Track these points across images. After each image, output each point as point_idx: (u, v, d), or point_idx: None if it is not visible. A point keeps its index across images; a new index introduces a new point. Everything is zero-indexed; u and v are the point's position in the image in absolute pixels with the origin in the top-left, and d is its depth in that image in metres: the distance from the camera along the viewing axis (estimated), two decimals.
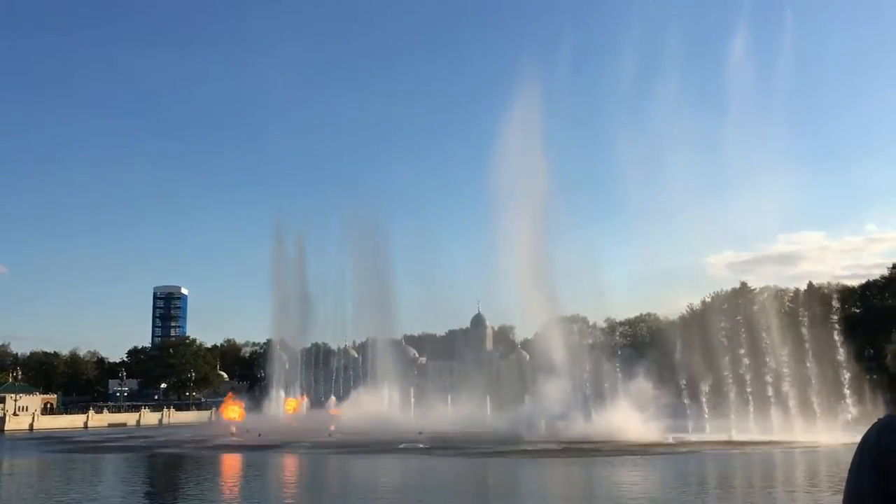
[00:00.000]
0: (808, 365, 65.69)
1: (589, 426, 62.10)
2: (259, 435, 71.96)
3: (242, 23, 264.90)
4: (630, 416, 62.55)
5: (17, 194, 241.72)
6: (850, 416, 60.45)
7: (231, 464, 49.26)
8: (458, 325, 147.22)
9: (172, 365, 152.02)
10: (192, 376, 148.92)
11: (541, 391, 71.85)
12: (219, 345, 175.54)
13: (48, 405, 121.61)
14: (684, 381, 69.59)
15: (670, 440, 58.39)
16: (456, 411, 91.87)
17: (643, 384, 68.93)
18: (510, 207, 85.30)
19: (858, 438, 3.40)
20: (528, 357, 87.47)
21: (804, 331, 68.40)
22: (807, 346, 66.88)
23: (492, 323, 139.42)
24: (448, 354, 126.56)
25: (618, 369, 76.07)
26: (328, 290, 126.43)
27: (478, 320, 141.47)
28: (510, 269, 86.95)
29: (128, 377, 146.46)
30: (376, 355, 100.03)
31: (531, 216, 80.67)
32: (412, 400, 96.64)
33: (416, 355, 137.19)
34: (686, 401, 69.36)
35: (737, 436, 59.57)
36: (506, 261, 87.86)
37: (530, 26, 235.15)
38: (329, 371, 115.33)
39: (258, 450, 56.71)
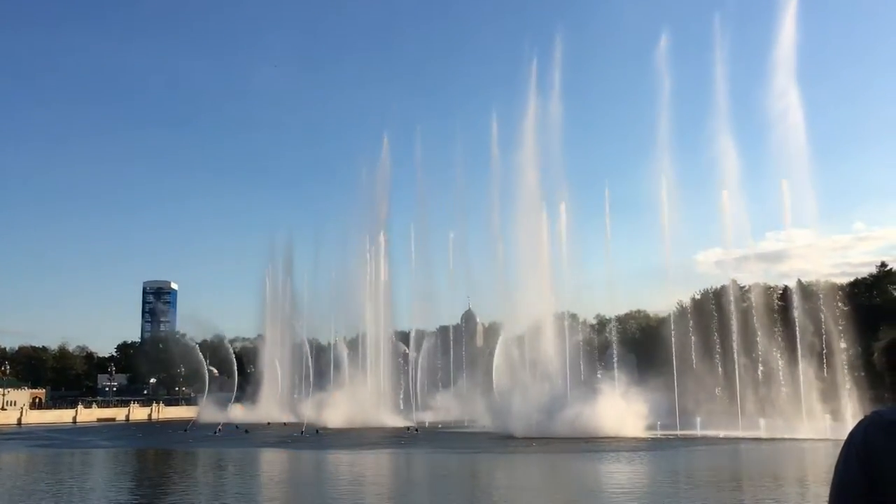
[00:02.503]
0: (796, 362, 66.11)
1: (578, 421, 62.28)
2: (246, 431, 72.12)
3: (239, 17, 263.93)
4: (619, 412, 62.85)
5: (6, 188, 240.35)
6: (837, 412, 60.93)
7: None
8: (448, 322, 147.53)
9: (162, 360, 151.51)
10: (181, 371, 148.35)
11: (531, 387, 72.04)
12: (208, 340, 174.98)
13: (37, 400, 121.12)
14: (674, 378, 69.89)
15: (658, 435, 58.88)
16: (446, 407, 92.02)
17: (632, 380, 69.29)
18: (503, 205, 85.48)
19: (845, 435, 3.43)
20: (518, 353, 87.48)
21: (793, 328, 68.81)
22: (795, 343, 67.33)
23: (482, 319, 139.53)
24: (438, 350, 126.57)
25: (607, 365, 76.35)
26: (319, 286, 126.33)
27: (468, 316, 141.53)
28: (502, 266, 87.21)
29: (117, 372, 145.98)
30: (367, 351, 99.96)
31: (523, 213, 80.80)
32: (402, 395, 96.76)
33: (407, 351, 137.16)
34: (676, 397, 69.66)
35: (726, 432, 60.07)
36: (498, 258, 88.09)
37: (527, 24, 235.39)
38: (319, 367, 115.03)
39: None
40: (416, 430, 72.35)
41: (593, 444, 52.59)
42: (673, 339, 72.38)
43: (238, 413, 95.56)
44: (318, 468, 42.86)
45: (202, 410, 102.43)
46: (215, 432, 70.45)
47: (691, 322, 75.79)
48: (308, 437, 64.60)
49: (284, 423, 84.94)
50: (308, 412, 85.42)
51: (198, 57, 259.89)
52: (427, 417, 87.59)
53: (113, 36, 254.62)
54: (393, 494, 30.92)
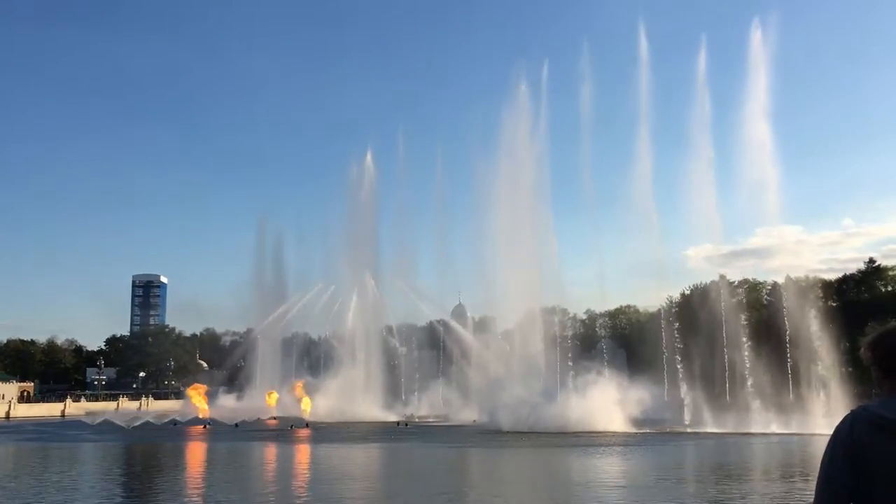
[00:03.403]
0: (784, 357, 66.52)
1: (567, 416, 62.43)
2: (236, 425, 72.09)
3: (236, 15, 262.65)
4: (609, 407, 63.01)
5: None
6: (824, 408, 61.31)
7: None
8: (439, 316, 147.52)
9: (151, 353, 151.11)
10: (170, 365, 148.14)
11: (520, 381, 72.20)
12: (198, 334, 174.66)
13: (25, 393, 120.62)
14: (664, 373, 70.19)
15: (648, 431, 59.10)
16: (436, 401, 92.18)
17: (622, 375, 69.54)
18: (495, 199, 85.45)
19: (832, 429, 3.45)
20: (508, 348, 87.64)
21: (781, 323, 69.20)
22: (783, 338, 67.72)
23: (473, 314, 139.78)
24: (428, 344, 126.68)
25: (597, 361, 76.53)
26: (310, 279, 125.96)
27: (459, 311, 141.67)
28: (492, 260, 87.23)
29: (106, 366, 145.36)
30: (357, 345, 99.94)
31: (515, 208, 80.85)
32: (392, 390, 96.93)
33: (397, 345, 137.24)
34: (665, 392, 69.99)
35: (715, 427, 60.34)
36: (488, 252, 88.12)
37: (525, 18, 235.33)
38: (310, 361, 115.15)
39: None
40: (406, 424, 72.46)
41: (582, 439, 52.74)
42: (663, 334, 72.72)
43: (227, 407, 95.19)
44: (309, 463, 42.85)
45: (187, 404, 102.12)
46: (204, 426, 70.34)
47: (680, 318, 76.09)
48: (298, 432, 64.62)
49: (274, 418, 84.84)
50: (298, 406, 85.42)
51: (191, 54, 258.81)
52: (416, 411, 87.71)
53: (108, 32, 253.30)
54: (390, 489, 30.96)
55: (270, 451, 48.94)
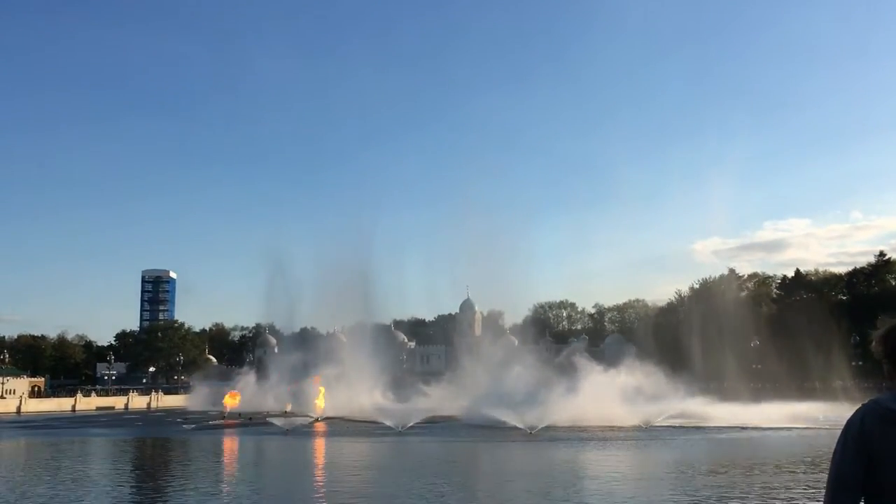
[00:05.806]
0: (794, 351, 66.35)
1: (573, 410, 62.42)
2: (250, 419, 72.51)
3: (239, 7, 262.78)
4: (616, 401, 62.93)
5: (5, 177, 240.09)
6: (833, 401, 61.16)
7: None
8: (447, 311, 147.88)
9: (161, 349, 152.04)
10: (180, 360, 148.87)
11: (527, 376, 72.26)
12: (207, 329, 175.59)
13: (36, 388, 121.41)
14: (672, 366, 70.12)
15: (657, 424, 58.97)
16: (443, 396, 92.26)
17: (630, 369, 69.47)
18: (498, 194, 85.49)
19: (842, 422, 3.47)
20: (516, 342, 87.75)
21: (791, 317, 69.05)
22: (792, 331, 67.52)
23: (480, 308, 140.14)
24: (437, 339, 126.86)
25: (606, 354, 76.59)
26: (317, 276, 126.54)
27: (467, 305, 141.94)
28: (498, 255, 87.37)
29: (116, 361, 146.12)
30: (365, 340, 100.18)
31: (516, 203, 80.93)
32: (399, 384, 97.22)
33: (406, 340, 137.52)
34: (674, 385, 69.89)
35: (724, 421, 60.18)
36: (494, 246, 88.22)
37: (525, 10, 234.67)
38: (317, 356, 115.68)
39: None
40: (416, 425, 72.40)
41: (591, 433, 52.74)
42: (671, 327, 72.72)
43: (235, 402, 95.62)
44: (318, 456, 43.05)
45: (197, 399, 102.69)
46: (218, 421, 70.74)
47: (689, 311, 76.01)
48: (307, 426, 64.93)
49: (285, 412, 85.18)
50: (307, 401, 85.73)
51: (197, 47, 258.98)
52: (424, 405, 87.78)
53: (114, 25, 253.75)
54: (397, 482, 31.08)
55: (280, 445, 49.17)
